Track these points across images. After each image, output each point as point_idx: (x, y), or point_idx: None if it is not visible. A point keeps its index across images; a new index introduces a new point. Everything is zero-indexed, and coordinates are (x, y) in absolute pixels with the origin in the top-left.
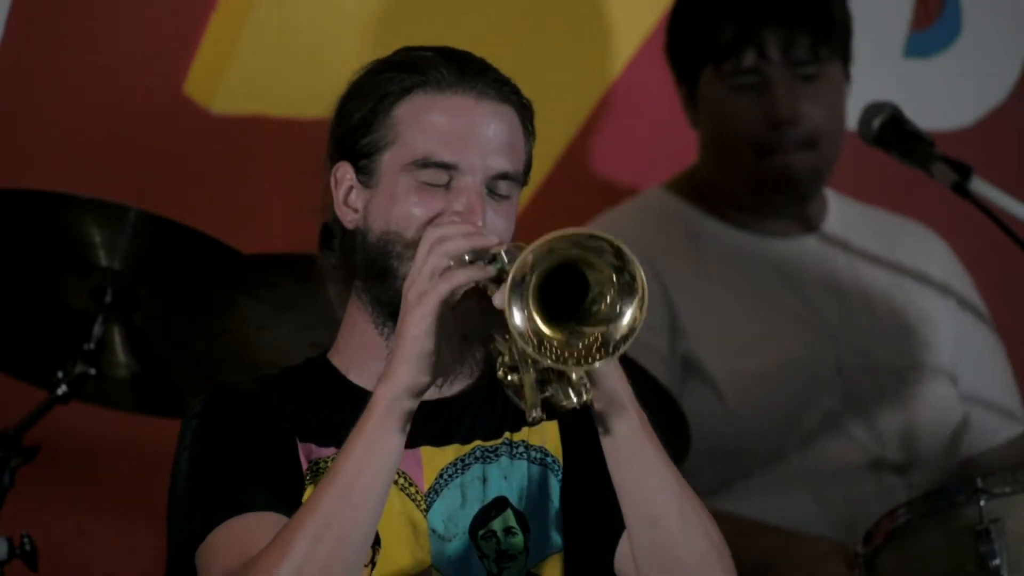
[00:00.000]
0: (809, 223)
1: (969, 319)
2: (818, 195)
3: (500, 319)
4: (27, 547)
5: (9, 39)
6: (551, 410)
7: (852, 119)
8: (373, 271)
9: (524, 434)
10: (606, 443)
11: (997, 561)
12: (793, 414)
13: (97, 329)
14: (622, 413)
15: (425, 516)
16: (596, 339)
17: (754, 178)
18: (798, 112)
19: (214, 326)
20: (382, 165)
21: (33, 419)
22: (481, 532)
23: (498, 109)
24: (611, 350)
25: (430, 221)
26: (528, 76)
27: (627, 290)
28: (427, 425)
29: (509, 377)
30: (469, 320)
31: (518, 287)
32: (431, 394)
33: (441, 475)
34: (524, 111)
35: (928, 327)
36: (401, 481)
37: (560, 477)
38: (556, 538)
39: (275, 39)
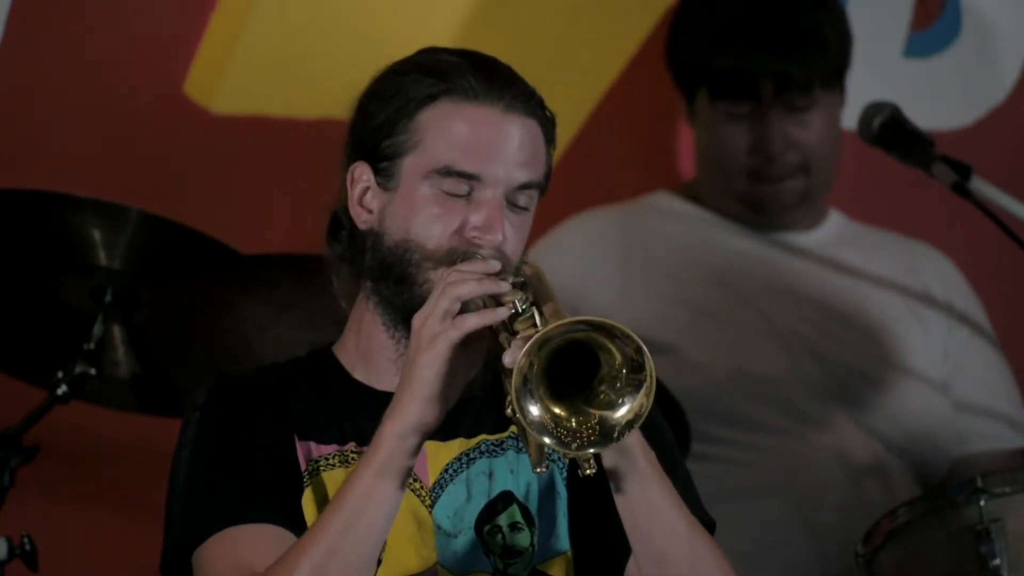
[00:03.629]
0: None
1: (966, 334)
2: (808, 213)
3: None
4: (27, 547)
5: (9, 39)
6: None
7: (852, 119)
8: (389, 276)
9: None
10: (613, 489)
11: (997, 561)
12: (757, 421)
13: (97, 329)
14: (628, 458)
15: (430, 512)
16: (596, 424)
17: (745, 199)
18: (790, 143)
19: (214, 326)
20: (403, 169)
21: (33, 419)
22: (487, 528)
23: (524, 123)
24: (615, 436)
25: (453, 233)
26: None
27: (636, 371)
28: None
29: (517, 415)
30: (478, 360)
31: (526, 382)
32: None
33: (446, 470)
34: (548, 125)
35: (905, 337)
36: None
37: (565, 476)
38: (564, 539)
39: (275, 39)
